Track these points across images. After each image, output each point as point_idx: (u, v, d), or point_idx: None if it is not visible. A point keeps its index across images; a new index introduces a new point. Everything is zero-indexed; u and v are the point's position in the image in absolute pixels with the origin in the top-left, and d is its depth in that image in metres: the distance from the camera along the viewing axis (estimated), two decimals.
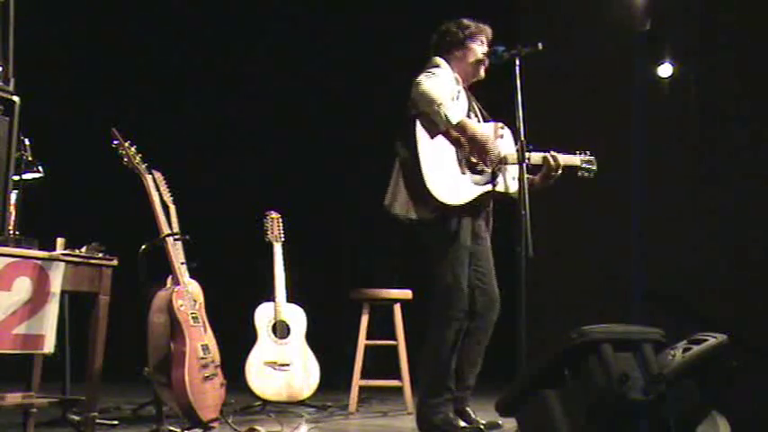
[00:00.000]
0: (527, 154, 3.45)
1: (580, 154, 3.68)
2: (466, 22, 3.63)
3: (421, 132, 3.35)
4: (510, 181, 3.51)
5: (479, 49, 3.60)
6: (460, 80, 3.58)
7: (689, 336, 2.56)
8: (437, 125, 3.34)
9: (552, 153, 3.55)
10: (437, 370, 3.42)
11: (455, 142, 3.40)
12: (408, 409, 4.51)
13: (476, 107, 3.66)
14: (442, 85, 3.39)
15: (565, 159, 3.60)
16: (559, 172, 3.56)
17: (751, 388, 2.77)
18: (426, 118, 3.35)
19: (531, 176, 3.55)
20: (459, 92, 3.52)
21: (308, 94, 6.81)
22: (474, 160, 3.44)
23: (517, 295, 3.16)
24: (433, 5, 3.82)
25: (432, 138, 3.36)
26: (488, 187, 3.47)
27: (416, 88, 3.35)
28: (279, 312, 4.58)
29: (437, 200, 3.32)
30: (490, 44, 3.63)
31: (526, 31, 6.28)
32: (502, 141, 3.53)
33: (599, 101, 5.95)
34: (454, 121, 3.33)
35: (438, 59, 3.56)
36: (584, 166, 3.66)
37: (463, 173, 3.42)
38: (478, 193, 3.44)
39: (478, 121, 3.59)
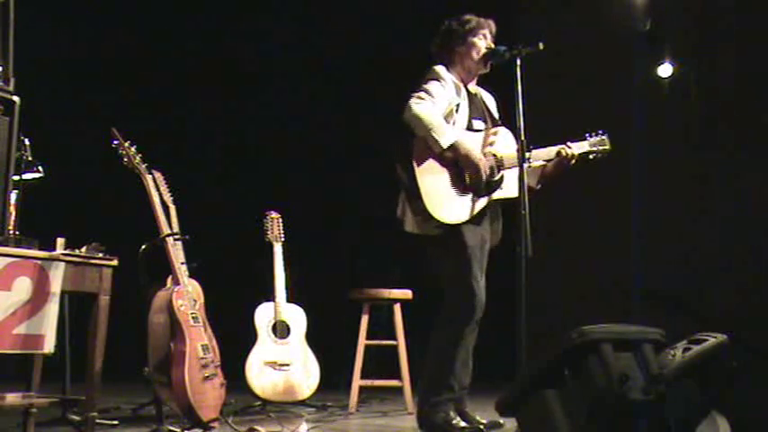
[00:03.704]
0: (535, 151, 3.48)
1: (589, 136, 3.69)
2: (467, 17, 3.63)
3: (417, 156, 3.37)
4: (509, 185, 3.52)
5: (481, 42, 3.61)
6: (462, 85, 3.58)
7: (689, 336, 2.56)
8: (430, 147, 3.37)
9: (568, 144, 3.60)
10: (439, 370, 3.43)
11: (452, 160, 3.41)
12: (408, 409, 4.51)
13: (482, 108, 3.66)
14: (434, 107, 3.39)
15: (577, 148, 3.63)
16: (573, 162, 3.60)
17: (751, 388, 2.77)
18: (420, 139, 3.38)
19: (544, 162, 3.60)
20: (458, 104, 3.51)
21: (308, 93, 6.80)
22: (472, 176, 3.44)
23: (517, 295, 3.16)
24: (433, 5, 3.82)
25: (426, 159, 3.38)
26: (493, 196, 3.49)
27: (408, 113, 3.37)
28: (279, 312, 4.58)
29: (441, 222, 3.35)
30: (494, 37, 3.63)
31: (526, 31, 6.28)
32: (496, 146, 3.53)
33: (599, 101, 5.95)
34: (445, 146, 3.36)
35: (437, 69, 3.54)
36: (594, 148, 3.67)
37: (464, 192, 3.43)
38: (480, 208, 3.46)
39: (487, 125, 3.59)
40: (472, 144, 3.46)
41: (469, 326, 3.44)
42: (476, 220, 3.47)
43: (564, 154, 3.59)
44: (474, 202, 3.44)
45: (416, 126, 3.36)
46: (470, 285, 3.41)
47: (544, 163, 3.62)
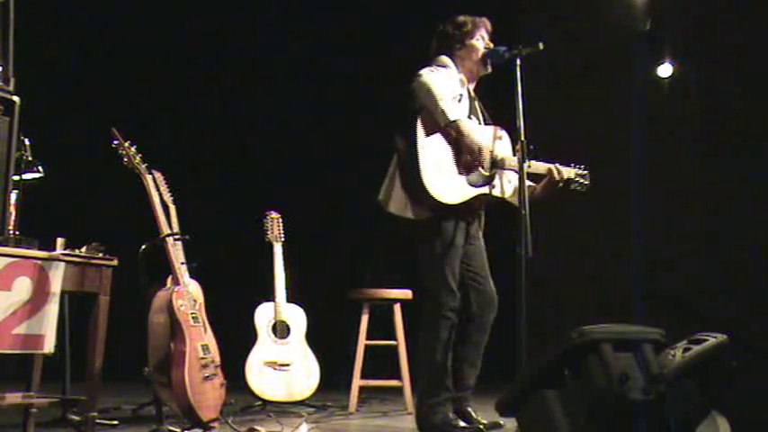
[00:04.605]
0: (530, 162, 3.45)
1: (575, 166, 3.67)
2: (461, 19, 3.61)
3: (422, 128, 3.35)
4: (506, 185, 3.51)
5: (479, 44, 3.60)
6: (466, 81, 3.58)
7: (689, 336, 2.56)
8: (436, 120, 3.34)
9: (557, 165, 3.57)
10: (433, 371, 3.41)
11: (453, 141, 3.40)
12: (408, 409, 4.51)
13: (478, 111, 3.65)
14: (444, 82, 3.39)
15: (565, 171, 3.61)
16: (561, 184, 3.58)
17: (751, 388, 2.78)
18: (427, 112, 3.35)
19: (532, 184, 3.56)
20: (461, 95, 3.51)
21: (307, 93, 6.81)
22: (469, 160, 3.43)
23: (517, 295, 3.15)
24: (433, 5, 3.81)
25: (430, 134, 3.36)
26: (484, 189, 3.47)
27: (418, 80, 3.37)
28: (279, 312, 4.58)
29: (433, 197, 3.30)
30: (491, 36, 3.63)
31: (526, 31, 6.28)
32: (500, 144, 3.53)
33: (599, 101, 5.95)
34: (451, 118, 3.32)
35: (444, 58, 3.55)
36: (577, 179, 3.65)
37: (460, 173, 3.41)
38: (473, 195, 3.43)
39: (480, 124, 3.59)
40: (479, 130, 3.45)
41: (449, 322, 3.40)
42: (467, 210, 3.45)
43: (554, 173, 3.55)
44: (465, 188, 3.41)
45: (426, 95, 3.33)
46: (447, 278, 3.39)
47: (533, 185, 3.58)
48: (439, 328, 3.39)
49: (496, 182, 3.50)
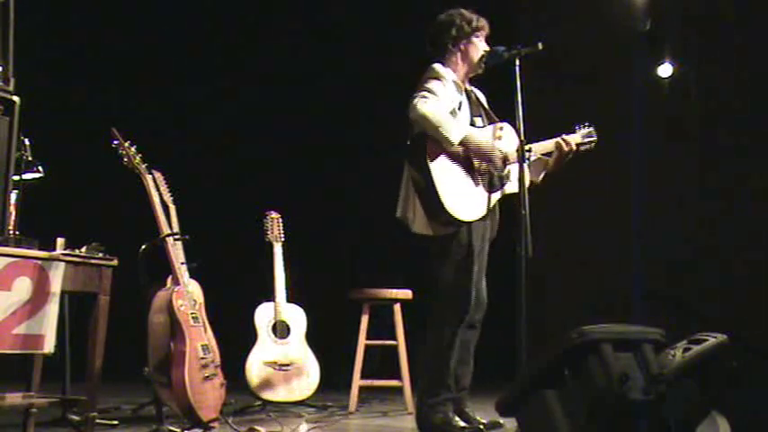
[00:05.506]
0: (533, 146, 3.47)
1: (579, 127, 3.67)
2: (468, 14, 3.60)
3: (430, 154, 3.36)
4: (508, 183, 3.52)
5: (482, 45, 3.60)
6: (461, 84, 3.57)
7: (689, 336, 2.56)
8: (441, 145, 3.36)
9: (563, 137, 3.57)
10: (438, 370, 3.42)
11: (462, 156, 3.41)
12: (408, 409, 4.51)
13: (481, 108, 3.65)
14: (439, 105, 3.36)
15: (571, 140, 3.62)
16: (570, 155, 3.58)
17: (751, 388, 2.78)
18: (431, 137, 3.36)
19: (545, 157, 3.59)
20: (460, 102, 3.50)
21: (308, 94, 6.80)
22: (484, 168, 3.45)
23: (517, 295, 3.16)
24: (432, 6, 3.81)
25: (439, 156, 3.37)
26: (498, 194, 3.50)
27: (414, 113, 3.34)
28: (279, 312, 4.58)
29: (456, 219, 3.34)
30: (488, 40, 3.62)
31: (526, 30, 6.28)
32: (501, 141, 3.53)
33: (599, 101, 5.95)
34: (455, 142, 3.35)
35: (437, 68, 3.51)
36: (585, 140, 3.66)
37: (477, 185, 3.44)
38: (492, 204, 3.47)
39: (484, 123, 3.59)
40: (483, 137, 3.47)
41: (463, 326, 3.43)
42: (483, 219, 3.47)
43: (563, 146, 3.56)
44: (486, 197, 3.45)
45: (424, 125, 3.33)
46: (468, 287, 3.41)
47: (544, 157, 3.60)
48: (450, 329, 3.41)
49: (509, 178, 3.52)
